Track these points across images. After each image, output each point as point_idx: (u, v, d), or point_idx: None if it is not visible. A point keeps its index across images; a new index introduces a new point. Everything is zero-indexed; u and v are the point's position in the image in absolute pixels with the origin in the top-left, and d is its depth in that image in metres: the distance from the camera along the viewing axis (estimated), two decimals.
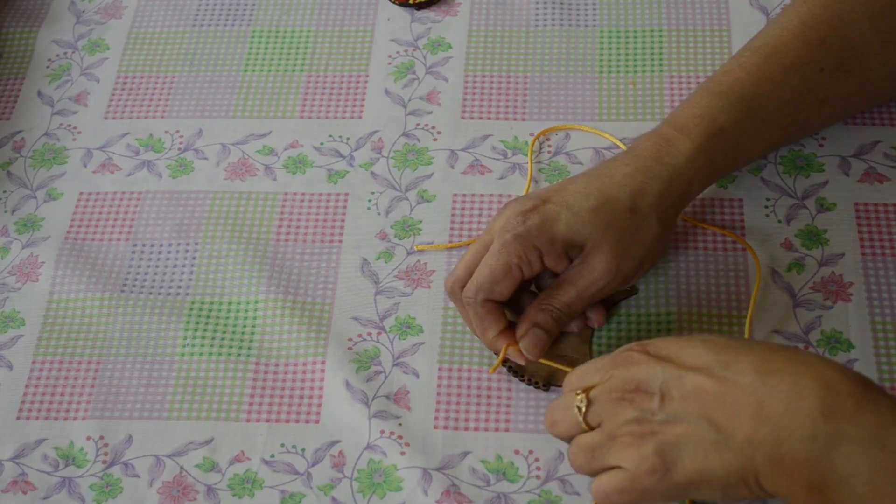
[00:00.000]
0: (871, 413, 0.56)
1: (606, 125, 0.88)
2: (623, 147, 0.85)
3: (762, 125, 0.75)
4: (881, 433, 0.55)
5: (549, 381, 0.75)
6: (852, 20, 0.77)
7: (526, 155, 0.87)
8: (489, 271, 0.71)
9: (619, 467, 0.61)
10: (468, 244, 0.83)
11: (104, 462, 0.75)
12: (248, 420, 0.76)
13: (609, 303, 0.77)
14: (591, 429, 0.63)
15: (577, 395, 0.64)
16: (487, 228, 0.73)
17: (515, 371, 0.76)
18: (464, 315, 0.75)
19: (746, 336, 0.76)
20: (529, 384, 0.75)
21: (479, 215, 0.84)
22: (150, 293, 0.82)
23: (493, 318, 0.73)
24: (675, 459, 0.59)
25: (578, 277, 0.71)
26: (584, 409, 0.63)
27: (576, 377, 0.66)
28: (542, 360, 0.74)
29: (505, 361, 0.76)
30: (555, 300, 0.72)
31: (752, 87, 0.75)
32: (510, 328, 0.73)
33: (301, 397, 0.77)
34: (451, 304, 0.80)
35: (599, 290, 0.72)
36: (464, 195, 0.85)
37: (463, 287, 0.73)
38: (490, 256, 0.71)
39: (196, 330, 0.80)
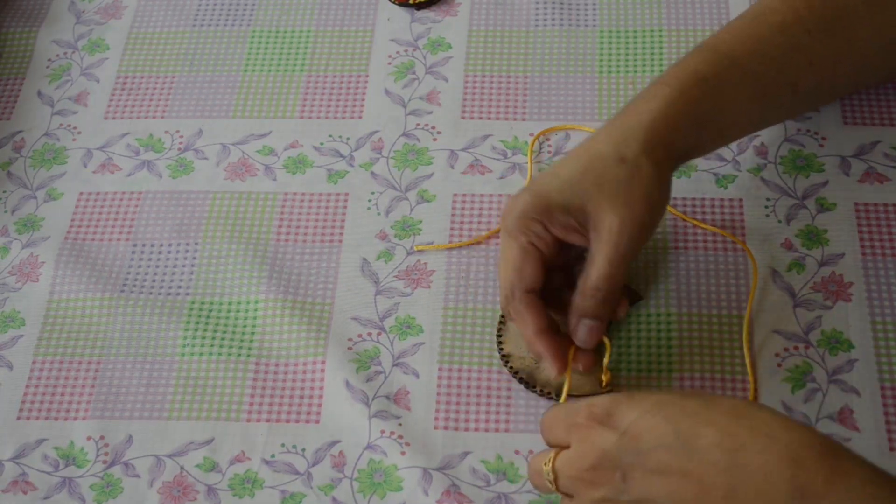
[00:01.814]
0: (843, 490, 0.55)
1: None
2: None
3: (746, 77, 0.74)
4: None
5: (561, 392, 0.74)
6: None
7: (526, 155, 0.87)
8: (511, 263, 0.70)
9: None
10: (468, 244, 0.83)
11: (104, 462, 0.75)
12: (248, 420, 0.76)
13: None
14: (567, 495, 0.63)
15: (545, 465, 0.63)
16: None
17: (527, 382, 0.76)
18: (519, 319, 0.72)
19: (745, 336, 0.76)
20: (542, 395, 0.75)
21: (479, 215, 0.84)
22: (150, 293, 0.82)
23: (531, 313, 0.70)
24: None
25: (601, 245, 0.69)
26: (552, 481, 0.63)
27: (548, 419, 0.65)
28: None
29: (516, 373, 0.76)
30: (591, 281, 0.69)
31: (734, 43, 0.74)
32: (552, 328, 0.71)
33: (301, 397, 0.77)
34: (451, 305, 0.80)
35: (627, 248, 0.69)
36: (464, 195, 0.86)
37: (523, 287, 0.71)
38: (505, 251, 0.71)
39: (196, 330, 0.80)
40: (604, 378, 0.73)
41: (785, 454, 0.56)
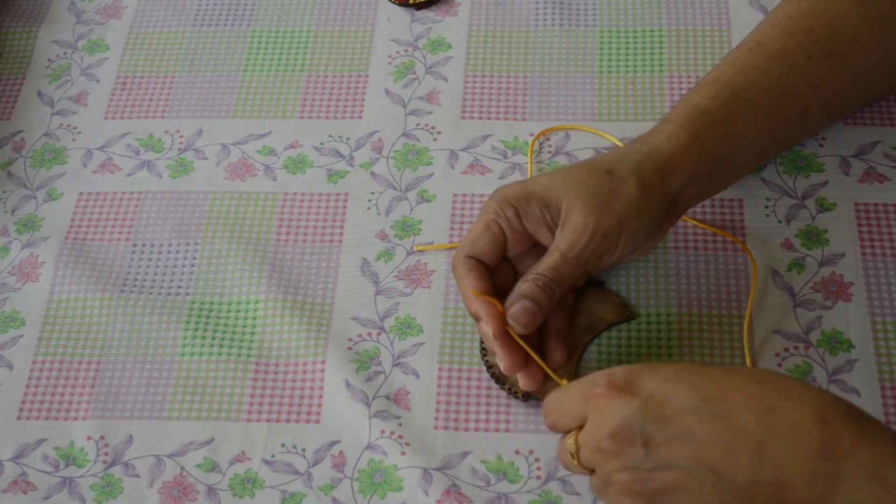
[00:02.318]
0: (869, 448, 0.55)
1: (606, 125, 0.88)
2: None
3: (750, 108, 0.74)
4: (879, 469, 0.55)
5: (529, 393, 0.74)
6: (839, 10, 0.77)
7: (526, 155, 0.87)
8: (469, 233, 0.73)
9: None
10: None
11: (105, 462, 0.75)
12: (248, 420, 0.76)
13: (604, 325, 0.77)
14: (590, 471, 0.63)
15: (568, 440, 0.64)
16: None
17: (498, 378, 0.76)
18: (460, 283, 0.73)
19: (745, 336, 0.76)
20: (510, 394, 0.75)
21: None
22: (150, 293, 0.82)
23: (473, 276, 0.71)
24: None
25: (560, 240, 0.71)
26: (575, 455, 0.63)
27: (555, 399, 0.65)
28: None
29: (490, 367, 0.76)
30: (539, 266, 0.71)
31: (736, 75, 0.75)
32: (495, 297, 0.72)
33: (301, 397, 0.77)
34: (451, 305, 0.80)
35: (582, 248, 0.70)
36: (464, 195, 0.86)
37: (464, 253, 0.73)
38: (473, 226, 0.73)
39: (196, 330, 0.80)
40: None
41: (813, 413, 0.56)
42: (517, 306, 0.70)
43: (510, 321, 0.70)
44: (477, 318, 0.72)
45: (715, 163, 0.74)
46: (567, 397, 0.64)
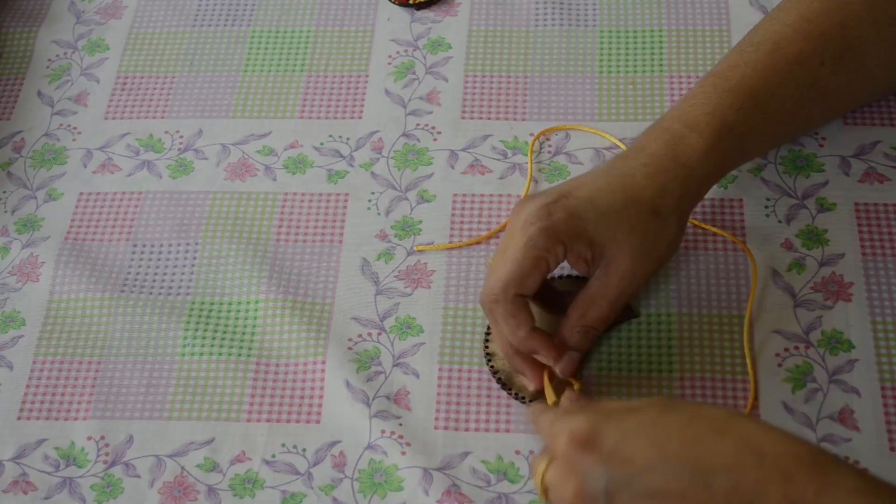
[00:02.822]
0: (832, 501, 0.55)
1: (606, 125, 0.88)
2: (623, 147, 0.85)
3: (768, 122, 0.75)
4: None
5: (535, 398, 0.74)
6: (850, 10, 0.77)
7: (526, 155, 0.87)
8: (518, 266, 0.69)
9: None
10: (468, 244, 0.83)
11: (105, 462, 0.75)
12: (248, 420, 0.76)
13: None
14: None
15: (537, 475, 0.63)
16: (508, 232, 0.71)
17: (504, 384, 0.76)
18: (504, 321, 0.71)
19: (745, 336, 0.76)
20: (516, 398, 0.75)
21: (479, 215, 0.84)
22: (151, 293, 0.82)
23: (523, 315, 0.70)
24: None
25: (608, 288, 0.70)
26: (544, 492, 0.63)
27: (537, 425, 0.66)
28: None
29: (496, 372, 0.76)
30: (590, 319, 0.71)
31: (759, 82, 0.74)
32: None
33: (301, 397, 0.77)
34: (452, 305, 0.80)
35: (628, 294, 0.71)
36: (464, 195, 0.86)
37: (513, 291, 0.70)
38: (517, 251, 0.69)
39: (196, 330, 0.80)
40: (575, 387, 0.73)
41: (775, 470, 0.56)
42: (567, 359, 0.71)
43: (559, 373, 0.72)
44: (519, 372, 0.73)
45: (724, 174, 0.76)
46: (541, 429, 0.65)
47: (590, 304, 0.71)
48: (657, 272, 0.80)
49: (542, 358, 0.72)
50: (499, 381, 0.76)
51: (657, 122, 0.75)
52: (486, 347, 0.77)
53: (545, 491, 0.63)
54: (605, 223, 0.69)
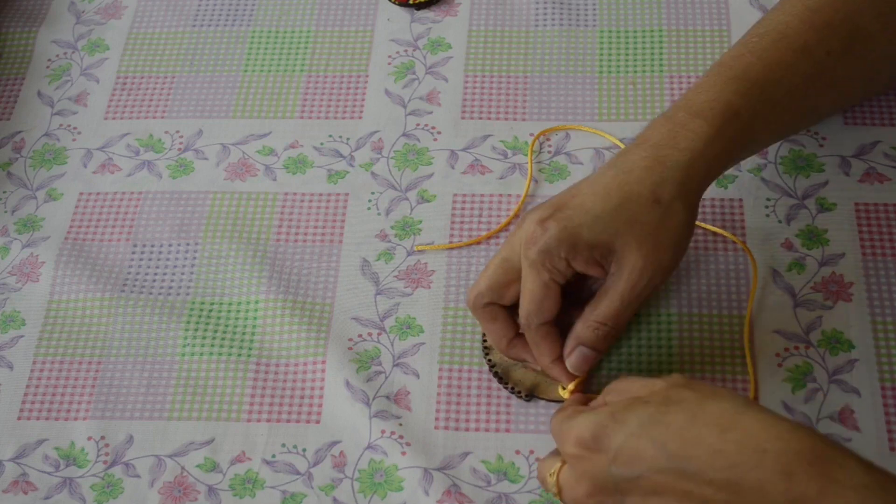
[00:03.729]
0: (835, 498, 0.54)
1: (606, 125, 0.88)
2: (623, 147, 0.85)
3: (773, 110, 0.74)
4: None
5: (531, 393, 0.75)
6: (856, 1, 0.76)
7: (526, 155, 0.87)
8: (531, 296, 0.70)
9: None
10: (468, 244, 0.83)
11: (105, 462, 0.75)
12: (248, 420, 0.76)
13: None
14: None
15: (550, 476, 0.65)
16: (507, 241, 0.72)
17: (500, 377, 0.76)
18: (484, 328, 0.74)
19: (745, 336, 0.76)
20: (512, 392, 0.75)
21: (479, 215, 0.84)
22: (151, 293, 0.82)
23: (547, 344, 0.71)
24: None
25: (618, 282, 0.69)
26: (557, 493, 0.64)
27: (552, 429, 0.66)
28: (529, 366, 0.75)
29: (493, 365, 0.76)
30: (599, 314, 0.70)
31: (764, 71, 0.74)
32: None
33: (302, 397, 0.77)
34: (452, 305, 0.80)
35: (643, 289, 0.69)
36: (464, 195, 0.86)
37: (485, 300, 0.72)
38: (526, 281, 0.70)
39: (196, 330, 0.80)
40: (569, 386, 0.73)
41: (776, 469, 0.55)
42: (578, 355, 0.71)
43: (570, 369, 0.71)
44: (556, 380, 0.73)
45: (732, 164, 0.75)
46: (554, 433, 0.65)
47: (601, 297, 0.70)
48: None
49: (531, 362, 0.73)
50: (495, 374, 0.76)
51: (662, 114, 0.74)
52: (485, 341, 0.77)
53: (560, 491, 0.64)
54: (601, 224, 0.69)
